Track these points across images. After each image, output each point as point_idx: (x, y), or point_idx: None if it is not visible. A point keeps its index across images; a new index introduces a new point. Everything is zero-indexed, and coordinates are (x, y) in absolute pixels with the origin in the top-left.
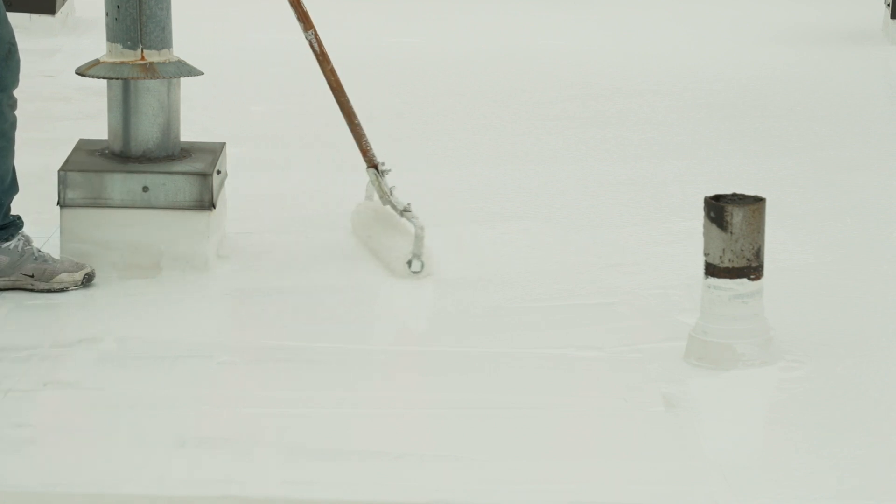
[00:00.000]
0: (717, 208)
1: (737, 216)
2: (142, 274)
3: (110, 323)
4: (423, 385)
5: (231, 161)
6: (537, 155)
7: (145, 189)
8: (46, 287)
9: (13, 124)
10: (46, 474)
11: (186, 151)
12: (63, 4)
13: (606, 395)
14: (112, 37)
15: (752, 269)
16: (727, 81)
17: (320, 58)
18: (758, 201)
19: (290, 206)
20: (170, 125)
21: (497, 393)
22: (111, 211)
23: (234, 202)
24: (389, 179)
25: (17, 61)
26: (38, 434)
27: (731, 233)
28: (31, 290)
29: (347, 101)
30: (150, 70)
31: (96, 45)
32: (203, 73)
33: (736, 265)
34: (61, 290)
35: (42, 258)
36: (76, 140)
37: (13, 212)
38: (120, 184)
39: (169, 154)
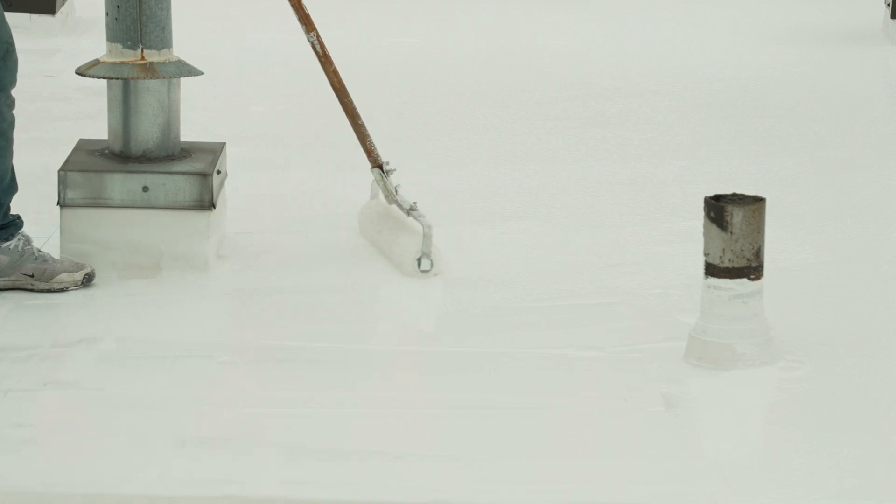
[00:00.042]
0: (717, 208)
1: (737, 216)
2: (142, 274)
3: (110, 323)
4: (423, 385)
5: (231, 161)
6: (537, 155)
7: (145, 189)
8: (46, 287)
9: (11, 124)
10: (46, 474)
11: (186, 151)
12: (63, 4)
13: (606, 395)
14: (112, 37)
15: (752, 269)
16: (727, 81)
17: (323, 59)
18: (758, 201)
19: (290, 206)
20: (170, 125)
21: (497, 393)
22: (111, 211)
23: (234, 202)
24: (395, 179)
25: (15, 61)
26: (38, 434)
27: (731, 233)
28: (31, 290)
29: (351, 102)
30: (150, 70)
31: (96, 45)
32: (203, 73)
33: (736, 265)
34: (61, 290)
35: (42, 258)
36: (76, 140)
37: (13, 211)
38: (120, 184)
39: (169, 154)
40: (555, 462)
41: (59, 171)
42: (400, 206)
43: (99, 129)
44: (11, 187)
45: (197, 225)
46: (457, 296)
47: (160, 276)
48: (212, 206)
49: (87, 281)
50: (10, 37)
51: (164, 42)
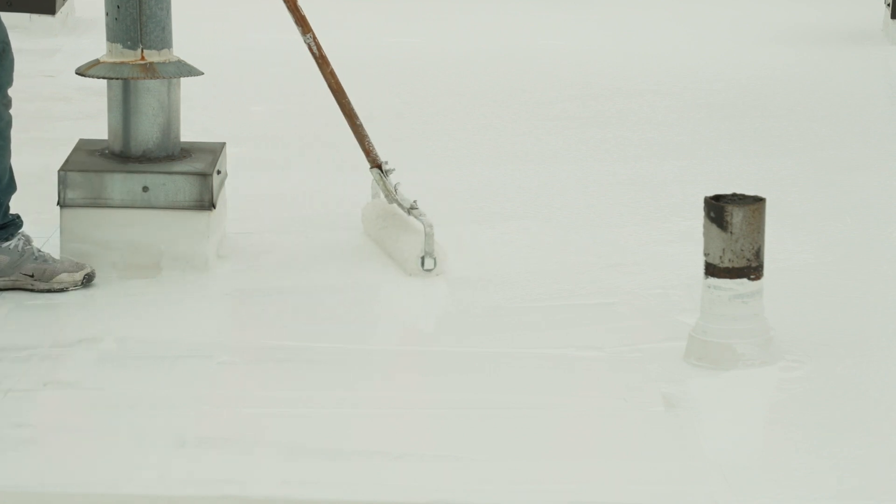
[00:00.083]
0: (717, 208)
1: (737, 216)
2: (142, 274)
3: (110, 323)
4: (423, 385)
5: (231, 161)
6: (537, 155)
7: (145, 189)
8: (46, 287)
9: (9, 123)
10: (46, 474)
11: (186, 151)
12: (63, 4)
13: (606, 395)
14: (112, 37)
15: (752, 269)
16: (727, 81)
17: (320, 60)
18: (758, 201)
19: (290, 206)
20: (170, 125)
21: (497, 393)
22: (111, 211)
23: (234, 202)
24: (394, 178)
25: (11, 60)
26: (38, 434)
27: (731, 233)
28: (31, 290)
29: (348, 103)
30: (150, 70)
31: (96, 45)
32: (203, 73)
33: (736, 265)
34: (61, 290)
35: (42, 258)
36: (76, 140)
37: (12, 211)
38: (120, 184)
39: (169, 154)
40: (555, 462)
41: (59, 171)
42: (400, 205)
43: (99, 129)
44: (10, 187)
45: (197, 225)
46: (457, 296)
47: (160, 276)
48: (212, 206)
49: (87, 281)
50: (6, 36)
51: (164, 42)
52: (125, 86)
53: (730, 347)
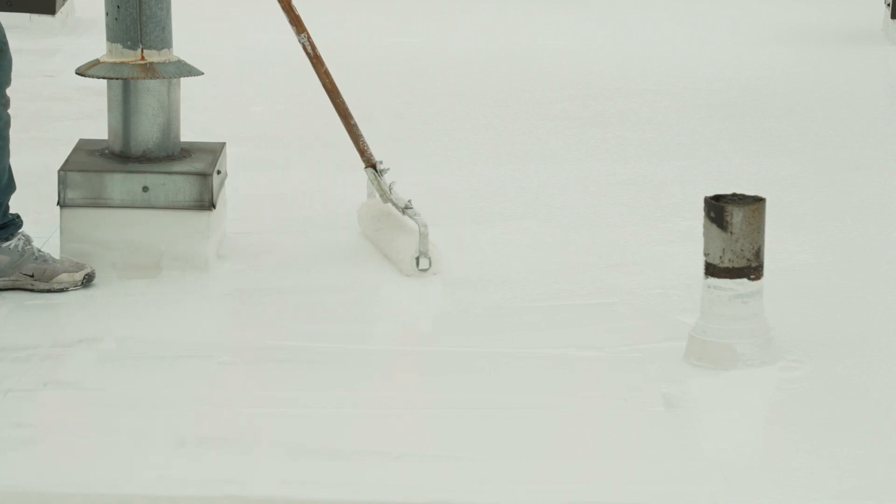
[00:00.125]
0: (717, 208)
1: (737, 216)
2: (142, 274)
3: (110, 323)
4: (423, 385)
5: (231, 161)
6: (537, 155)
7: (145, 189)
8: (46, 287)
9: (7, 123)
10: (46, 474)
11: (186, 151)
12: (63, 4)
13: (606, 395)
14: (112, 37)
15: (752, 269)
16: (727, 81)
17: (314, 60)
18: (758, 201)
19: (290, 206)
20: (170, 125)
21: (497, 393)
22: (111, 211)
23: (234, 202)
24: (389, 178)
25: (9, 60)
26: (38, 434)
27: (731, 233)
28: (31, 290)
29: (343, 103)
30: (150, 70)
31: (96, 45)
32: (203, 73)
33: (736, 265)
34: (61, 290)
35: (42, 258)
36: (76, 140)
37: (12, 210)
38: (120, 184)
39: (169, 154)
40: (555, 462)
41: (59, 171)
42: (395, 204)
43: (99, 129)
44: (10, 186)
45: (197, 225)
46: (457, 296)
47: (160, 276)
48: (212, 206)
49: (87, 281)
50: (4, 36)
51: (164, 42)
52: (125, 86)
53: (730, 347)
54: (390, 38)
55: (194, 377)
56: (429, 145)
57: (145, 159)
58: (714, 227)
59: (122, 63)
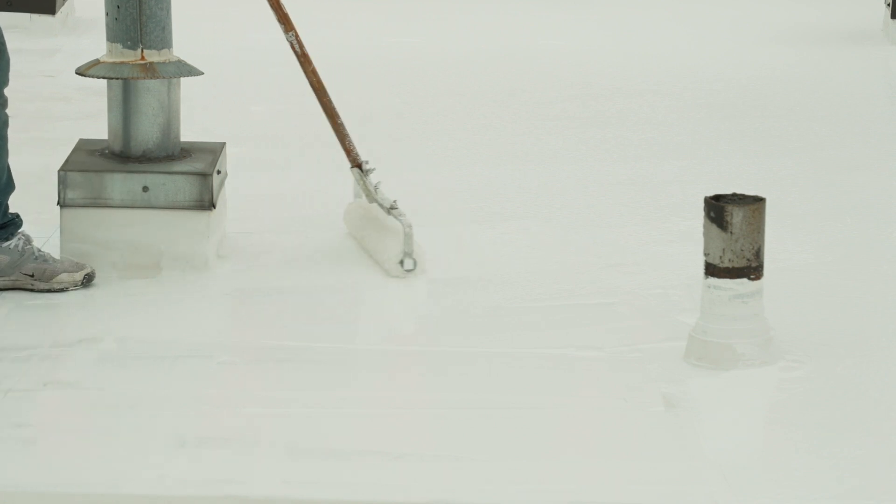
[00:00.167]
0: (717, 208)
1: (737, 216)
2: (142, 274)
3: (110, 323)
4: (423, 385)
5: (231, 161)
6: (537, 155)
7: (145, 189)
8: (46, 287)
9: (5, 122)
10: (46, 474)
11: (186, 151)
12: (63, 4)
13: (606, 395)
14: (112, 37)
15: (752, 269)
16: (727, 81)
17: (301, 59)
18: (758, 201)
19: (290, 206)
20: (170, 125)
21: (497, 393)
22: (111, 211)
23: (234, 202)
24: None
25: (7, 61)
26: (38, 434)
27: (731, 233)
28: (31, 290)
29: (330, 102)
30: (150, 70)
31: (96, 45)
32: (203, 73)
33: (736, 265)
34: (61, 290)
35: (42, 258)
36: (76, 140)
37: (12, 210)
38: (120, 184)
39: (169, 154)
40: (555, 462)
41: (59, 171)
42: (380, 204)
43: (99, 129)
44: (9, 186)
45: (197, 225)
46: (457, 296)
47: (160, 276)
48: (212, 206)
49: (87, 281)
50: (1, 36)
51: (164, 42)
52: (125, 86)
53: (730, 347)
54: (390, 38)
55: (194, 377)
56: (429, 145)
57: (145, 159)
58: (714, 227)
59: (122, 63)
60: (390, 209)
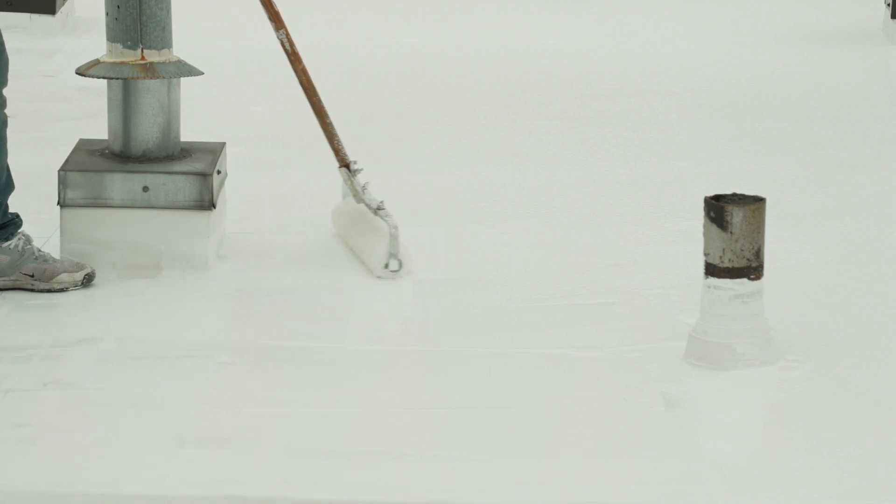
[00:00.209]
0: (717, 208)
1: (737, 216)
2: (142, 274)
3: (110, 323)
4: (423, 385)
5: (231, 161)
6: (537, 155)
7: (145, 189)
8: (46, 287)
9: (4, 122)
10: (46, 474)
11: (186, 151)
12: (63, 4)
13: (606, 395)
14: (112, 37)
15: (752, 269)
16: (727, 81)
17: (292, 57)
18: (758, 201)
19: (290, 206)
20: (170, 125)
21: (497, 393)
22: (111, 211)
23: (234, 202)
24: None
25: (6, 61)
26: (38, 434)
27: (731, 233)
28: (31, 290)
29: (319, 101)
30: (150, 70)
31: (96, 45)
32: (203, 73)
33: (736, 265)
34: (61, 290)
35: (42, 258)
36: (76, 140)
37: (11, 210)
38: (120, 184)
39: (169, 154)
40: (555, 462)
41: (59, 171)
42: (367, 205)
43: (99, 129)
44: (8, 186)
45: (197, 225)
46: (457, 296)
47: (160, 276)
48: (212, 206)
49: (87, 281)
50: (0, 36)
51: (164, 42)
52: (125, 86)
53: (730, 347)
54: (390, 38)
55: (194, 377)
56: (429, 145)
57: (145, 159)
58: (714, 227)
59: (122, 63)
60: (377, 210)
